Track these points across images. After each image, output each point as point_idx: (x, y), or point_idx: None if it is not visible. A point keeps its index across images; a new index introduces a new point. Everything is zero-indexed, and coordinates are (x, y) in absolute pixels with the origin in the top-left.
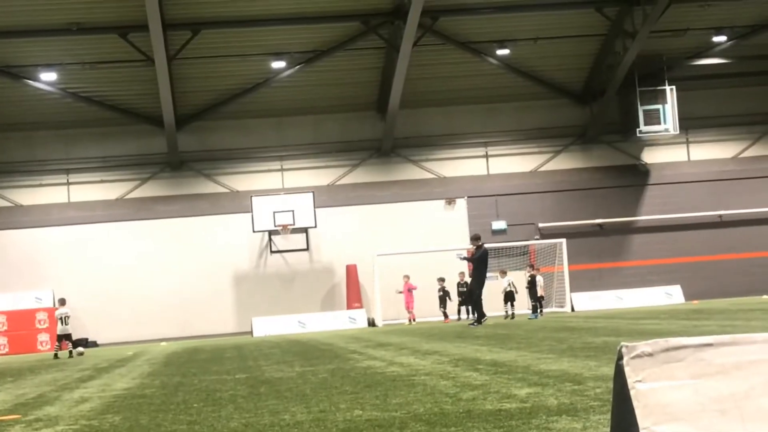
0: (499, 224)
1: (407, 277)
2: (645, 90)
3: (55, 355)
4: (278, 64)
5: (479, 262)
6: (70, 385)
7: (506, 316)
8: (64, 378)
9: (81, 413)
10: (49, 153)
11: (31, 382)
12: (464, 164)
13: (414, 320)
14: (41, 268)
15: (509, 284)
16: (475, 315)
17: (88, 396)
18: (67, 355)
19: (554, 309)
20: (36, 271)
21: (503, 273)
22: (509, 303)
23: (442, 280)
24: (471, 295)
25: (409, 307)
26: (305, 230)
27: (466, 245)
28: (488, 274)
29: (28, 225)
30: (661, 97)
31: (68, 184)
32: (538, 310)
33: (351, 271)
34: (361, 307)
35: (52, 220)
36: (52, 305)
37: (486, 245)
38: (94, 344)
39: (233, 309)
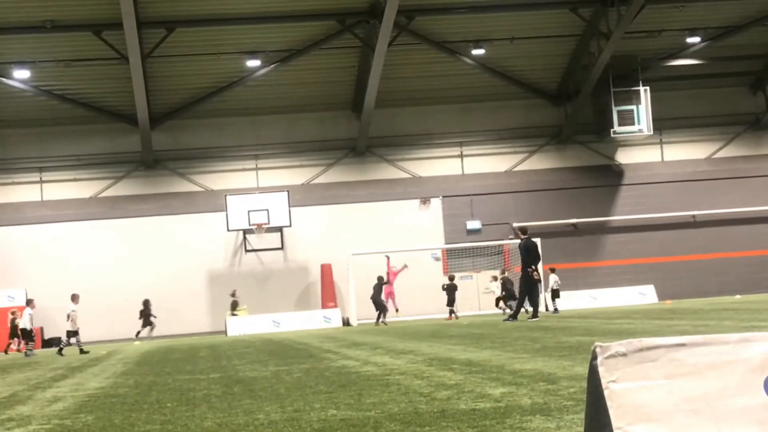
0: (473, 224)
1: (388, 258)
2: (619, 90)
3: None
4: (253, 63)
5: (527, 258)
6: (42, 384)
7: (553, 312)
8: (36, 377)
9: (54, 413)
10: (22, 151)
11: (3, 381)
12: (439, 164)
13: (396, 310)
14: (14, 267)
15: (555, 282)
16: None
17: (61, 395)
18: (57, 351)
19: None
20: (8, 269)
21: (552, 271)
22: (554, 300)
23: (499, 274)
24: (532, 289)
25: (391, 297)
26: (280, 229)
27: (440, 245)
28: (462, 274)
29: (1, 223)
30: (635, 97)
31: (41, 182)
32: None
33: (326, 271)
34: (335, 306)
35: (25, 219)
36: (24, 304)
37: (463, 245)
38: (68, 344)
39: (207, 308)
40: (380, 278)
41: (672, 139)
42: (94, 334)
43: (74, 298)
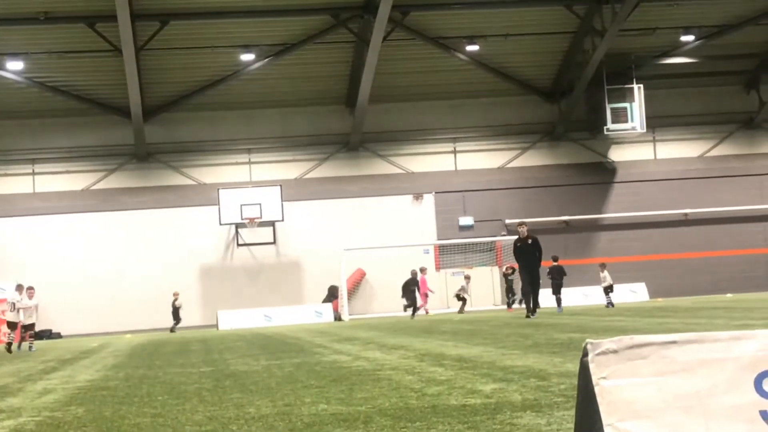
0: (466, 220)
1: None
2: (613, 88)
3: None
4: (247, 57)
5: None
6: (33, 376)
7: (607, 306)
8: (27, 369)
9: (44, 405)
10: (15, 142)
11: None
12: (432, 160)
13: (427, 312)
14: (5, 259)
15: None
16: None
17: (52, 387)
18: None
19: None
20: (0, 261)
21: (603, 267)
22: (608, 294)
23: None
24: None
25: (424, 299)
26: (272, 224)
27: (432, 241)
28: (454, 270)
29: None
30: (628, 95)
31: (33, 174)
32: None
33: (355, 276)
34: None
35: (17, 211)
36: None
37: (455, 241)
38: (59, 336)
39: (199, 302)
40: (413, 272)
41: (665, 137)
42: (86, 327)
43: (19, 288)
